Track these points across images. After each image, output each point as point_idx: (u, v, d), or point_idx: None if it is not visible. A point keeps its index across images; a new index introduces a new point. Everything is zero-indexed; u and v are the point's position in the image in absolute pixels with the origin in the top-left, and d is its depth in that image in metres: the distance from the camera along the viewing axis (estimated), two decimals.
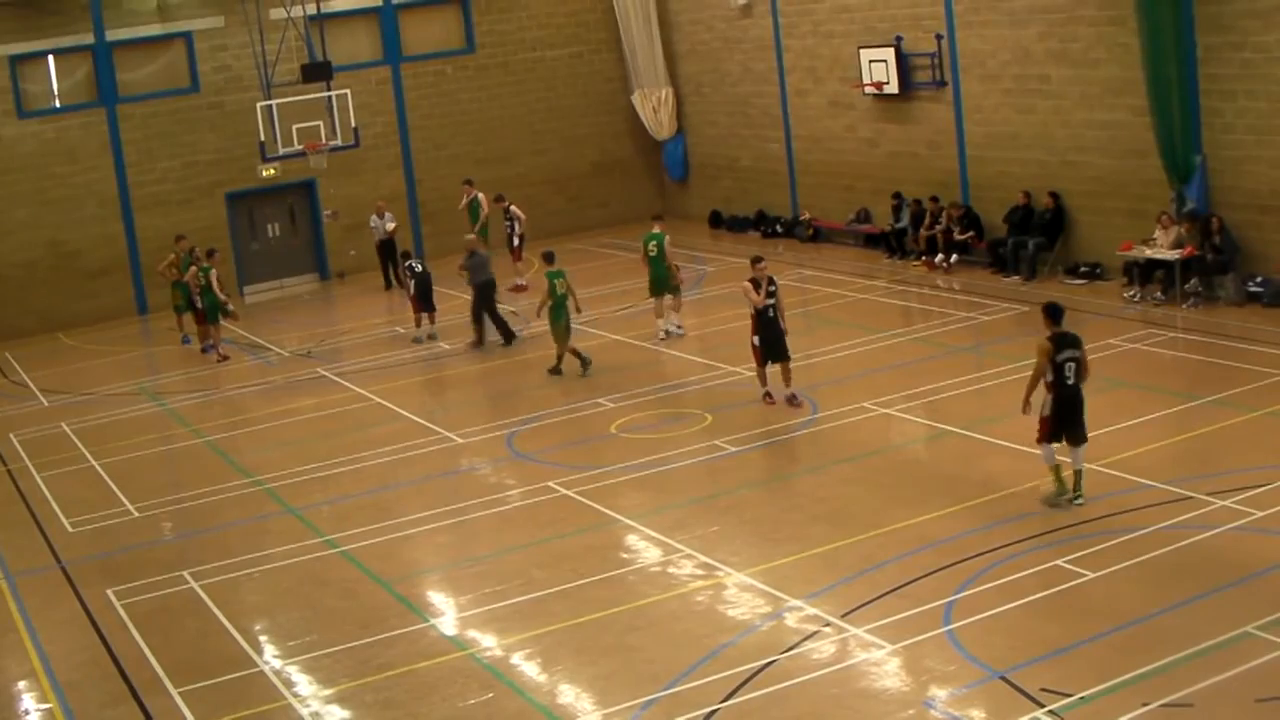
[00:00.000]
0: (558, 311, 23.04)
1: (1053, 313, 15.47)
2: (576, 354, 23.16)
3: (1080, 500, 15.32)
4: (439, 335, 26.82)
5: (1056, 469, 15.48)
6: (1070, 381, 15.17)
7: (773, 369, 20.35)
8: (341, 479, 19.49)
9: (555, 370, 23.29)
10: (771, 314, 20.11)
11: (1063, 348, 15.18)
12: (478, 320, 25.48)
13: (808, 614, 13.61)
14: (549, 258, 23.92)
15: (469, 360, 25.24)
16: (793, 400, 20.18)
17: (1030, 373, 15.43)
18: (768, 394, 20.37)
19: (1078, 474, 15.42)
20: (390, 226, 31.82)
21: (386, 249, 31.79)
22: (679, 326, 25.25)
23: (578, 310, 23.62)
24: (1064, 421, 15.26)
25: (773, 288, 20.14)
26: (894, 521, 15.67)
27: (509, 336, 25.39)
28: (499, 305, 26.12)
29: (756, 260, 20.59)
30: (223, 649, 14.34)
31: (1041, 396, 15.34)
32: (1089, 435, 15.46)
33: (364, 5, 34.45)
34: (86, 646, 14.82)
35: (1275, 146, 22.71)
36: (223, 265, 27.97)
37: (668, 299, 25.10)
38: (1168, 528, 14.56)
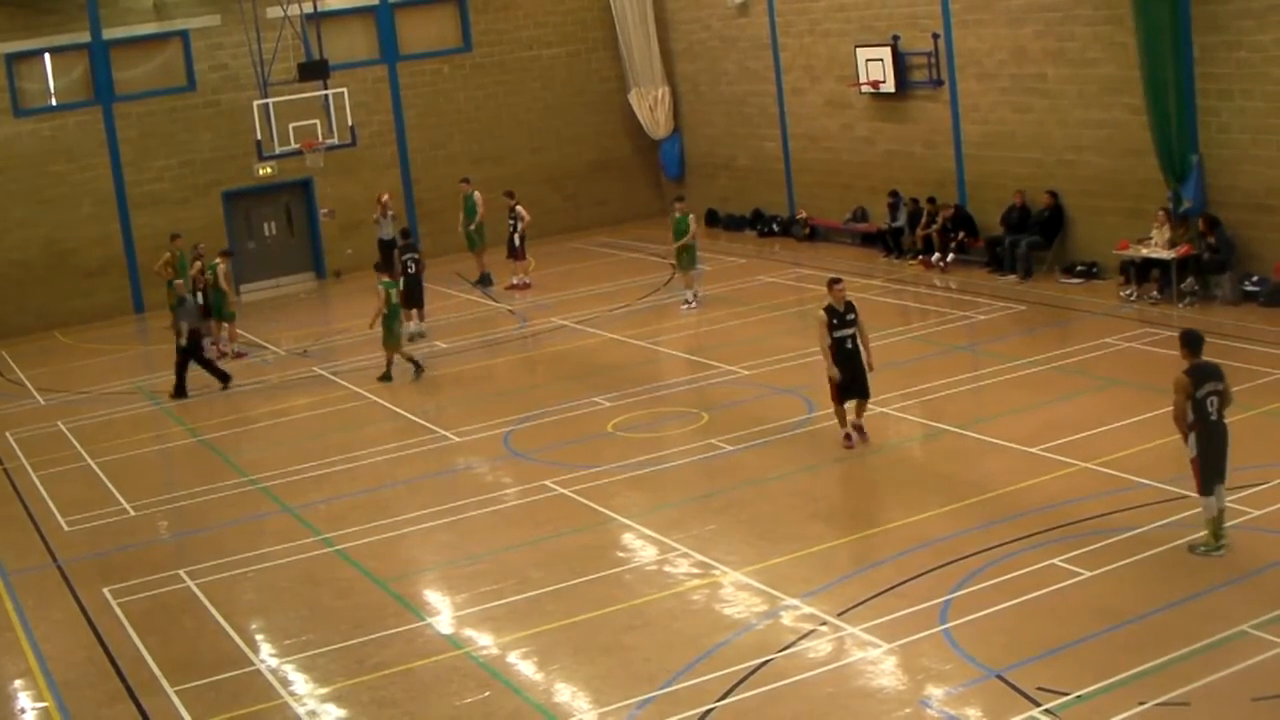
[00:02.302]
0: (390, 320, 23.76)
1: (1192, 342, 13.99)
2: (411, 359, 24.09)
3: (1223, 540, 13.90)
4: (428, 333, 26.83)
5: (1213, 521, 13.87)
6: (1214, 418, 13.79)
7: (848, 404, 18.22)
8: (337, 478, 19.48)
9: (385, 377, 23.92)
10: (850, 345, 17.80)
11: (1203, 381, 13.78)
12: (207, 366, 24.86)
13: (804, 613, 13.61)
14: (380, 268, 24.85)
15: (465, 359, 25.24)
16: (859, 430, 18.20)
17: (1172, 412, 14.02)
18: (847, 435, 18.07)
19: (1220, 512, 13.99)
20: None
21: (388, 247, 31.70)
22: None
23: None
24: (1214, 462, 13.81)
25: (851, 315, 17.83)
26: (890, 520, 15.68)
27: (180, 392, 24.50)
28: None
29: (834, 282, 18.05)
30: (219, 648, 14.33)
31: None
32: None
33: (361, 4, 34.42)
34: (83, 645, 14.81)
35: (1271, 146, 22.73)
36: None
37: (692, 272, 27.37)
38: (1164, 526, 14.56)
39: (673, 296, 27.74)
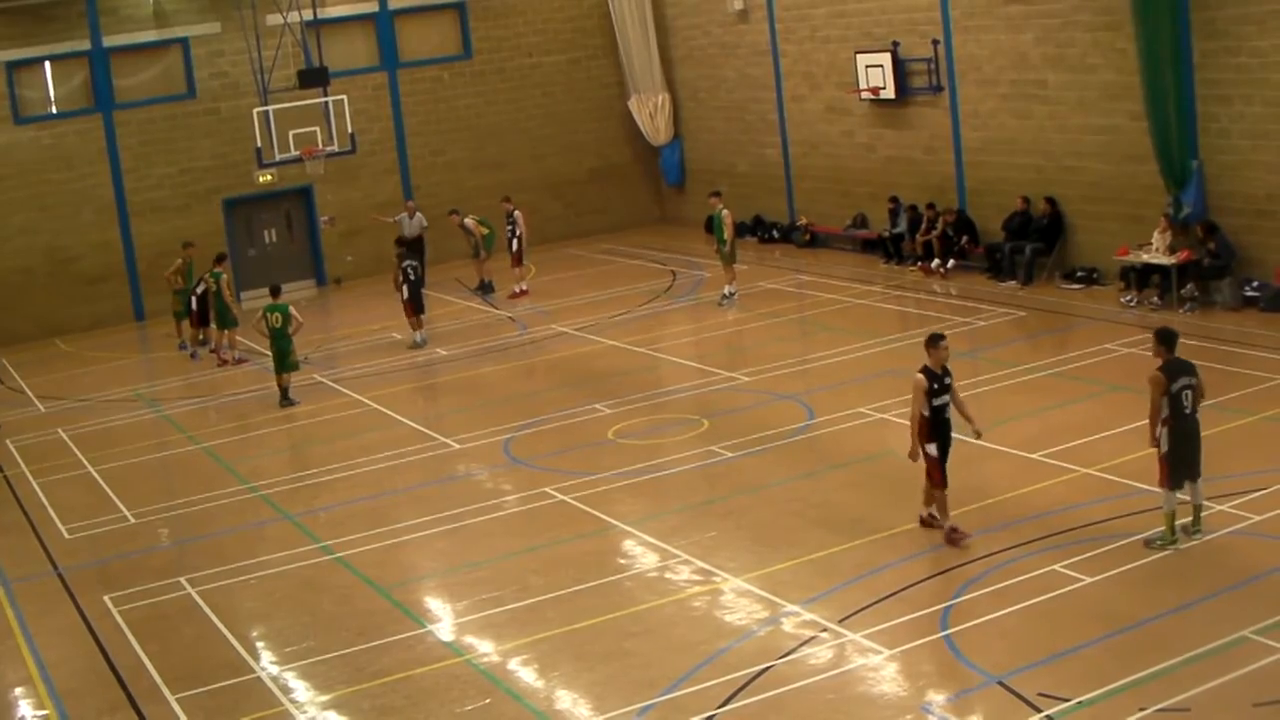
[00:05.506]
0: (272, 344, 23.69)
1: (1166, 338, 14.18)
2: (281, 386, 23.76)
3: (1198, 533, 14.20)
4: (429, 340, 26.81)
5: (1172, 515, 14.13)
6: (1188, 412, 14.01)
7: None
8: (338, 485, 19.47)
9: (286, 402, 23.77)
10: (946, 414, 15.05)
11: (1177, 376, 13.99)
12: None
13: (805, 619, 13.60)
14: (275, 291, 24.62)
15: (466, 366, 25.22)
16: (930, 520, 15.43)
17: (1149, 411, 14.09)
18: (954, 529, 14.94)
19: (1197, 509, 14.26)
20: (419, 229, 31.72)
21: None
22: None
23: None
24: (1185, 458, 14.05)
25: (949, 379, 14.96)
26: (891, 527, 15.67)
27: None
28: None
29: (935, 340, 14.96)
30: (220, 655, 14.32)
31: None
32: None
33: (361, 11, 34.47)
34: (84, 653, 14.80)
35: (1271, 151, 22.74)
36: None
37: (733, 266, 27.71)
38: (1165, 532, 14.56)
39: (673, 303, 27.72)
